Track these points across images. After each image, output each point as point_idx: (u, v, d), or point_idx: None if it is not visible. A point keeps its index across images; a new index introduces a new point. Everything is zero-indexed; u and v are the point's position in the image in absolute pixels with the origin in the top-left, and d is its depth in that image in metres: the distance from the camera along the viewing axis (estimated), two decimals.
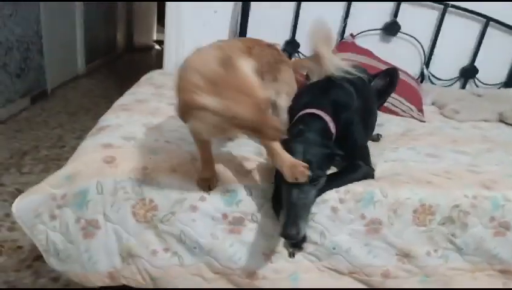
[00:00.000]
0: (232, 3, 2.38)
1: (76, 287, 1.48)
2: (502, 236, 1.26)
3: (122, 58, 6.08)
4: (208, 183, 1.12)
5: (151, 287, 1.16)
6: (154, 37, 6.99)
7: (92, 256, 1.11)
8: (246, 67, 0.84)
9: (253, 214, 1.14)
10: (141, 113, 1.50)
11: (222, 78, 0.80)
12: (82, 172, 1.10)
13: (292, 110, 1.36)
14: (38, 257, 1.46)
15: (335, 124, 1.26)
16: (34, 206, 1.08)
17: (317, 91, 1.38)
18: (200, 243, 1.12)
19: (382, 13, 2.47)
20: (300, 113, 1.27)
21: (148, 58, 6.28)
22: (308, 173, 1.00)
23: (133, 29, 6.39)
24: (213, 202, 1.12)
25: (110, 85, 4.37)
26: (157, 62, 5.90)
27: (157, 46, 6.80)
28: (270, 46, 1.41)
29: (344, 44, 2.41)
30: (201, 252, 1.13)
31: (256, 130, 0.83)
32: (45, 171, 2.27)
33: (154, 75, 2.15)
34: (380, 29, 2.49)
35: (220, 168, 1.19)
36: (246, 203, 1.13)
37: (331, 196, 1.19)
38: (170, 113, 1.55)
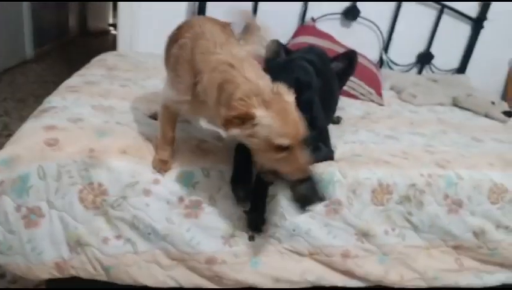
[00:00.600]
0: None
1: (26, 287, 1.39)
2: (454, 213, 1.30)
3: (76, 42, 5.76)
4: (165, 164, 1.07)
5: (103, 276, 1.09)
6: (110, 21, 6.67)
7: (36, 246, 1.02)
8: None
9: (210, 196, 1.10)
10: (91, 95, 1.40)
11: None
12: (21, 156, 1.00)
13: None
14: None
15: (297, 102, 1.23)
16: None
17: (278, 70, 1.34)
18: (154, 229, 1.06)
19: None
20: None
21: (104, 43, 5.98)
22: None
23: (86, 13, 6.05)
24: (168, 185, 1.06)
25: (61, 70, 4.11)
26: (112, 46, 5.66)
27: (113, 31, 6.49)
28: (226, 25, 1.35)
29: (305, 28, 2.39)
30: (157, 238, 1.07)
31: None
32: None
33: (106, 56, 2.03)
34: (340, 13, 2.49)
35: (175, 150, 1.14)
36: (203, 186, 1.09)
37: None
38: (123, 95, 1.46)
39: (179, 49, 1.00)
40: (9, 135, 2.47)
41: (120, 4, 2.29)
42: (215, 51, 0.94)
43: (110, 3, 6.59)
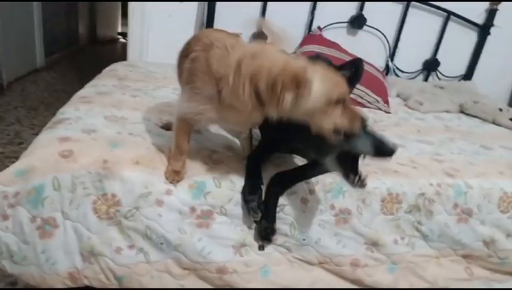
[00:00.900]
0: None
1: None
2: (464, 222, 1.30)
3: (85, 51, 5.84)
4: (178, 175, 1.08)
5: (116, 286, 1.10)
6: (119, 30, 6.75)
7: (50, 257, 1.04)
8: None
9: (222, 206, 1.11)
10: (103, 105, 1.42)
11: None
12: (36, 167, 1.02)
13: None
14: None
15: None
16: None
17: None
18: (167, 239, 1.08)
19: (348, 7, 2.50)
20: None
21: (112, 51, 6.06)
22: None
23: (96, 22, 6.13)
24: (180, 195, 1.08)
25: (72, 79, 4.18)
26: (122, 55, 5.70)
27: (122, 39, 6.57)
28: (235, 36, 1.37)
29: (311, 36, 2.41)
30: (169, 247, 1.09)
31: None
32: (1, 169, 2.13)
33: (117, 66, 2.06)
34: (347, 22, 2.51)
35: (187, 160, 1.15)
36: (215, 196, 1.10)
37: (301, 187, 1.18)
38: (134, 105, 1.49)
39: (192, 62, 1.01)
40: (21, 143, 2.54)
41: (130, 14, 2.33)
42: (229, 53, 0.94)
43: (119, 13, 6.68)
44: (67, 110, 1.35)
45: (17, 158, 2.37)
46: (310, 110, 0.90)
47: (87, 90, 1.61)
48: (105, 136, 1.18)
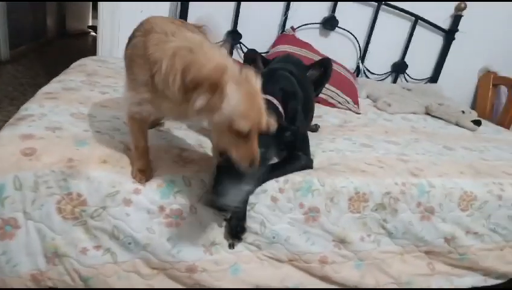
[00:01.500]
0: None
1: None
2: (427, 220, 1.36)
3: (53, 44, 5.62)
4: (144, 174, 1.07)
5: (82, 287, 1.08)
6: (89, 23, 6.54)
7: (11, 258, 1.00)
8: None
9: (192, 205, 1.11)
10: (69, 102, 1.38)
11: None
12: None
13: None
14: None
15: (284, 112, 1.26)
16: None
17: (265, 80, 1.37)
18: (135, 238, 1.06)
19: (321, 8, 2.53)
20: None
21: (82, 45, 5.87)
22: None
23: (65, 14, 5.91)
24: (148, 194, 1.07)
25: (38, 72, 4.02)
26: (92, 49, 5.55)
27: (92, 33, 6.37)
28: (199, 27, 1.34)
29: (285, 36, 2.43)
30: (137, 247, 1.07)
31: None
32: None
33: (86, 61, 2.00)
34: (319, 23, 2.55)
35: (156, 159, 1.14)
36: (184, 195, 1.10)
37: (271, 186, 1.20)
38: (103, 102, 1.45)
39: (132, 48, 0.98)
40: None
41: (100, 8, 2.26)
42: (168, 39, 0.90)
43: (90, 5, 6.47)
44: (31, 106, 1.30)
45: None
46: (212, 121, 0.88)
47: (53, 85, 1.55)
48: (71, 133, 1.15)
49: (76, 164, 1.03)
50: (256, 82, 0.89)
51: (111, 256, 1.07)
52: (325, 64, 1.69)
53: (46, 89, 1.50)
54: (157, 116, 1.15)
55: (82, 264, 1.05)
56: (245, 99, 0.84)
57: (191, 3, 2.26)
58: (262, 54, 1.89)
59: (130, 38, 1.04)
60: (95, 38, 6.23)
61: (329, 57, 1.79)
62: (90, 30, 6.45)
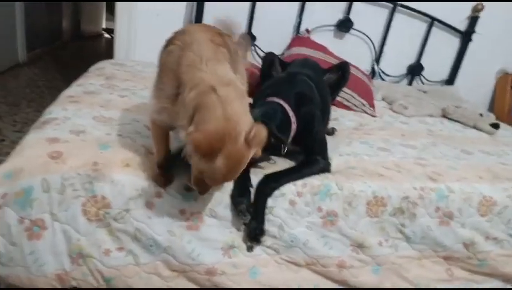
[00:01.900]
0: None
1: None
2: (446, 225, 1.35)
3: (69, 46, 5.72)
4: (165, 178, 1.08)
5: (104, 287, 1.10)
6: (103, 25, 6.64)
7: (38, 258, 1.03)
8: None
9: (211, 209, 1.12)
10: (91, 105, 1.41)
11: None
12: (25, 169, 1.01)
13: (254, 103, 1.36)
14: None
15: (296, 116, 1.27)
16: None
17: (280, 84, 1.38)
18: (156, 241, 1.08)
19: (336, 10, 2.53)
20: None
21: (97, 47, 5.97)
22: None
23: (80, 17, 6.01)
24: (169, 198, 1.08)
25: (54, 75, 4.10)
26: (106, 51, 5.61)
27: (106, 35, 6.47)
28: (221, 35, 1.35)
29: (299, 39, 2.44)
30: (158, 249, 1.09)
31: None
32: None
33: (104, 65, 2.04)
34: (334, 25, 2.55)
35: (176, 162, 1.16)
36: (204, 198, 1.11)
37: (289, 189, 1.20)
38: (123, 105, 1.48)
39: (167, 55, 1.01)
40: (2, 140, 2.49)
41: (118, 12, 2.30)
42: (201, 67, 0.93)
43: (104, 8, 6.57)
44: (55, 110, 1.33)
45: None
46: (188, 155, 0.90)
47: (74, 89, 1.59)
48: (94, 137, 1.17)
49: (101, 167, 1.05)
50: (260, 139, 0.90)
51: (133, 258, 1.09)
52: (343, 68, 1.69)
53: (68, 92, 1.53)
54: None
55: (105, 265, 1.07)
56: (226, 166, 0.88)
57: (206, 4, 2.28)
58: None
59: (168, 42, 1.05)
60: (108, 41, 6.30)
61: (347, 61, 1.78)
62: (104, 32, 6.55)
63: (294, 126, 1.27)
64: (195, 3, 2.29)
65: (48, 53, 4.94)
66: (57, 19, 5.25)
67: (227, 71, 0.98)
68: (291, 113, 1.26)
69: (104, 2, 6.51)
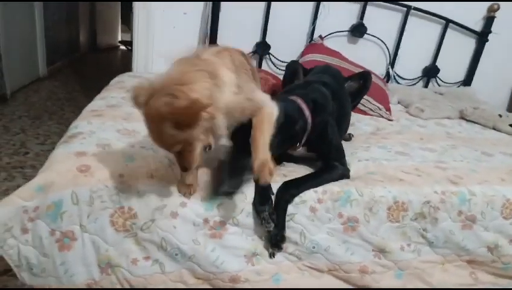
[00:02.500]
0: (201, 4, 2.36)
1: None
2: (468, 229, 1.34)
3: (86, 58, 5.88)
4: (189, 188, 1.11)
5: None
6: (119, 37, 6.79)
7: (68, 269, 1.07)
8: None
9: (234, 217, 1.14)
10: (114, 118, 1.46)
11: None
12: (55, 182, 1.05)
13: None
14: (6, 271, 1.38)
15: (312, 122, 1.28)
16: (4, 221, 1.03)
17: (298, 90, 1.40)
18: (181, 249, 1.11)
19: (349, 15, 2.54)
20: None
21: (113, 59, 6.11)
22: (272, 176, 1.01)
23: (96, 29, 6.18)
24: (193, 207, 1.11)
25: (74, 87, 4.21)
26: (122, 62, 5.72)
27: (122, 46, 6.61)
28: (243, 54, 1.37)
29: (313, 46, 2.45)
30: (183, 258, 1.12)
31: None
32: (8, 180, 2.16)
33: (124, 78, 2.10)
34: (348, 30, 2.56)
35: (199, 172, 1.19)
36: (227, 207, 1.14)
37: (310, 196, 1.22)
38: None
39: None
40: (27, 153, 2.57)
41: (135, 25, 2.36)
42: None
43: (119, 21, 6.72)
44: (80, 124, 1.38)
45: (23, 168, 2.41)
46: None
47: (97, 102, 1.64)
48: (119, 149, 1.21)
49: (127, 179, 1.09)
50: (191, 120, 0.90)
51: (159, 266, 1.12)
52: (365, 76, 1.70)
53: (91, 106, 1.59)
54: None
55: (133, 274, 1.10)
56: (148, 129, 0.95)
57: (220, 22, 2.32)
58: None
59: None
60: (124, 52, 6.41)
61: (369, 70, 1.80)
62: (120, 44, 6.69)
63: (309, 127, 1.28)
64: (209, 16, 2.33)
65: (67, 66, 5.08)
66: (74, 32, 5.41)
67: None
68: (307, 113, 1.27)
69: (119, 15, 6.66)
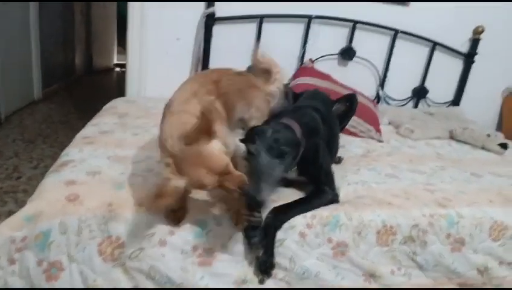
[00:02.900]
0: (194, 30, 2.41)
1: None
2: (458, 251, 1.35)
3: (82, 81, 5.91)
4: (177, 216, 1.12)
5: None
6: (115, 60, 6.86)
7: None
8: (211, 144, 0.97)
9: (223, 244, 1.15)
10: (106, 145, 1.47)
11: (186, 157, 0.96)
12: (44, 212, 1.06)
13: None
14: None
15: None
16: None
17: (289, 114, 1.42)
18: (170, 278, 1.10)
19: (338, 39, 2.60)
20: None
21: (109, 81, 6.15)
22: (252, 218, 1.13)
23: (92, 52, 6.24)
24: (182, 234, 1.12)
25: (69, 110, 4.23)
26: (117, 84, 5.75)
27: (117, 69, 6.67)
28: (241, 73, 1.45)
29: (304, 69, 2.50)
30: (172, 286, 1.11)
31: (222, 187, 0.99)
32: (0, 205, 2.15)
33: (117, 103, 2.12)
34: (337, 54, 2.61)
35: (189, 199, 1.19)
36: (216, 234, 1.14)
37: (299, 221, 1.22)
38: (136, 143, 1.54)
39: None
40: (19, 177, 2.56)
41: (128, 49, 2.40)
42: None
43: (115, 43, 6.80)
44: (71, 152, 1.39)
45: (16, 192, 2.39)
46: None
47: (89, 129, 1.65)
48: (109, 177, 1.22)
49: (115, 207, 1.09)
50: None
51: None
52: (351, 99, 1.74)
53: (83, 133, 1.60)
54: None
55: None
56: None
57: (212, 46, 2.37)
58: None
59: None
60: (119, 74, 6.44)
61: (355, 92, 1.83)
62: (116, 67, 6.76)
63: (301, 148, 1.30)
64: (202, 42, 2.38)
65: (63, 88, 5.11)
66: (70, 55, 5.46)
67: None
68: (300, 136, 1.29)
69: (116, 37, 6.75)
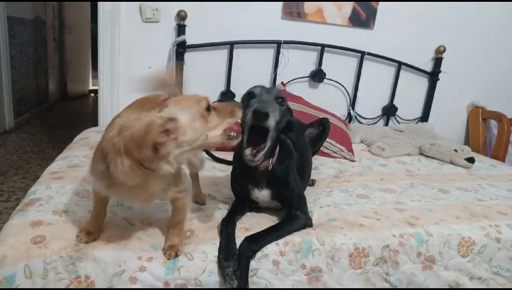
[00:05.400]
0: (165, 58, 2.44)
1: None
2: (429, 269, 1.37)
3: (55, 108, 5.81)
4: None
5: None
6: (90, 86, 6.80)
7: None
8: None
9: (196, 278, 1.14)
10: (74, 180, 1.45)
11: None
12: (8, 256, 1.02)
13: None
14: None
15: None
16: None
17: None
18: None
19: (308, 62, 2.68)
20: None
21: (84, 107, 6.07)
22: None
23: (66, 78, 6.16)
24: (153, 271, 1.10)
25: (42, 138, 4.14)
26: (91, 110, 5.66)
27: (92, 94, 6.61)
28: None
29: None
30: None
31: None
32: None
33: (88, 134, 2.10)
34: (308, 76, 2.68)
35: (159, 233, 1.18)
36: (189, 269, 1.13)
37: (272, 249, 1.23)
38: None
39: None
40: None
41: (100, 80, 2.40)
42: (110, 130, 0.95)
43: (90, 69, 6.75)
44: (38, 189, 1.36)
45: None
46: (194, 138, 0.94)
47: (58, 163, 1.63)
48: (77, 216, 1.20)
49: (83, 247, 1.07)
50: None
51: None
52: (323, 123, 1.79)
53: (52, 168, 1.57)
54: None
55: None
56: (185, 106, 0.95)
57: (184, 74, 2.40)
58: None
59: None
60: (95, 99, 6.36)
61: (327, 118, 1.88)
62: (91, 93, 6.69)
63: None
64: (173, 63, 2.41)
65: (35, 116, 5.00)
66: (43, 82, 5.37)
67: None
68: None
69: (90, 62, 6.71)
